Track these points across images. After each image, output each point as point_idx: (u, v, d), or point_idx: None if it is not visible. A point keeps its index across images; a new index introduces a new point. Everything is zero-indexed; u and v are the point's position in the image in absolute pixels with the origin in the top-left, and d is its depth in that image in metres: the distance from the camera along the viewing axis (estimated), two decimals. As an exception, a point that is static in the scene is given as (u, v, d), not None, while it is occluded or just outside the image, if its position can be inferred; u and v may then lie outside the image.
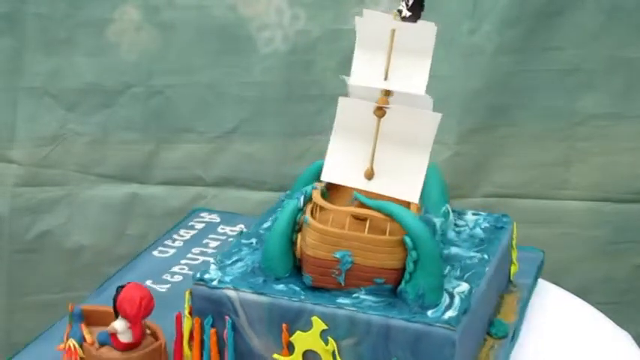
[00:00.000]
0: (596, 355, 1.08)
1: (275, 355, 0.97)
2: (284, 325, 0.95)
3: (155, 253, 1.27)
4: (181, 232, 1.33)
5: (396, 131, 0.95)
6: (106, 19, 1.51)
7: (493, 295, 1.07)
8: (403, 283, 0.92)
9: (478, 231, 1.07)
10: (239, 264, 1.02)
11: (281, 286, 0.97)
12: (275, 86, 1.54)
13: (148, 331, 1.04)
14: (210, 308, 0.99)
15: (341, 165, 0.97)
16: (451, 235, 1.06)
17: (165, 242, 1.30)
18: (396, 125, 0.95)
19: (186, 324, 1.00)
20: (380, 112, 0.95)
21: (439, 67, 1.51)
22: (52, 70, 1.54)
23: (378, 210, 0.92)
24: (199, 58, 1.53)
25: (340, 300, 0.94)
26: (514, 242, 1.14)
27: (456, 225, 1.08)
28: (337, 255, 0.93)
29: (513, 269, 1.15)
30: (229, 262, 1.02)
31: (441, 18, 1.48)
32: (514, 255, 1.15)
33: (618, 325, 1.20)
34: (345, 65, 1.53)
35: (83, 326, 1.05)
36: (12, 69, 1.54)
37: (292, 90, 1.55)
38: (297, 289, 0.96)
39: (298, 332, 0.95)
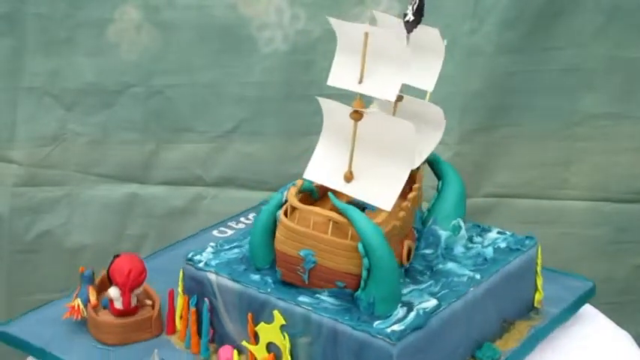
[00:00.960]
0: (596, 355, 1.09)
1: (244, 342, 0.99)
2: (249, 315, 0.98)
3: (215, 232, 1.28)
4: (250, 215, 1.32)
5: (374, 137, 0.95)
6: (106, 19, 1.51)
7: (488, 318, 1.02)
8: (360, 289, 0.92)
9: (489, 250, 1.05)
10: (235, 250, 1.05)
11: (256, 277, 1.00)
12: (275, 86, 1.54)
13: (149, 302, 1.10)
14: (196, 288, 1.04)
15: (324, 165, 0.97)
16: (458, 250, 1.04)
17: (229, 224, 1.30)
18: (373, 131, 0.95)
19: (179, 300, 1.06)
20: (356, 115, 0.95)
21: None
22: (52, 70, 1.54)
23: (342, 213, 0.92)
24: (199, 58, 1.53)
25: (301, 298, 0.95)
26: (538, 268, 1.09)
27: (470, 241, 1.06)
28: (301, 253, 0.94)
29: (538, 296, 1.09)
30: (227, 247, 1.06)
31: (442, 18, 1.51)
32: (539, 282, 1.09)
33: (618, 325, 1.20)
34: (345, 65, 1.55)
35: (91, 288, 1.11)
36: (12, 69, 1.53)
37: (292, 90, 1.55)
38: (270, 281, 0.99)
39: (262, 323, 0.97)
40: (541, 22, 1.50)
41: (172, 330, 1.08)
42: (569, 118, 1.57)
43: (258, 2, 1.50)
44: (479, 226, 1.10)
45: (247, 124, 1.57)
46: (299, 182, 0.99)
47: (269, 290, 0.97)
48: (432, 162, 1.09)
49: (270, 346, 0.97)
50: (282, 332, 0.95)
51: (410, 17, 1.00)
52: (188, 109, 1.56)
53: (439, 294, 0.96)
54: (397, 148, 0.94)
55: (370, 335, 0.89)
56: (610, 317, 1.23)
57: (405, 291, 0.95)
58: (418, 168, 1.05)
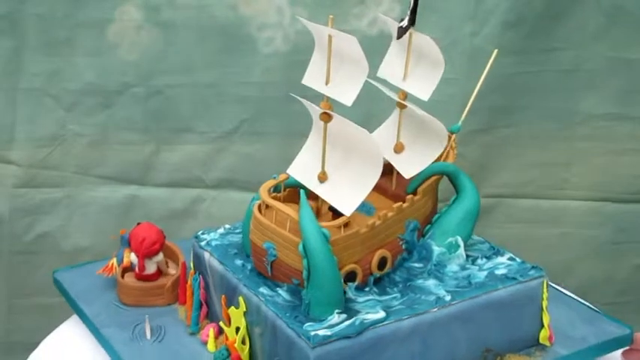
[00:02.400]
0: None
1: (221, 322, 1.04)
2: (223, 297, 1.03)
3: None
4: None
5: (343, 141, 0.96)
6: (106, 19, 1.50)
7: (459, 344, 0.98)
8: (304, 289, 0.93)
9: (481, 274, 1.01)
10: (240, 235, 1.08)
11: (239, 262, 1.03)
12: (276, 86, 1.54)
13: (173, 272, 1.19)
14: (197, 265, 1.10)
15: (304, 163, 0.98)
16: (451, 269, 1.01)
17: None
18: (342, 135, 0.95)
19: (191, 273, 1.13)
20: (324, 116, 0.96)
21: (441, 69, 1.53)
22: (52, 71, 1.53)
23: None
24: (199, 58, 1.52)
25: (261, 289, 0.97)
26: (544, 303, 1.03)
27: (472, 262, 1.03)
28: (264, 245, 0.97)
29: (543, 333, 1.04)
30: (237, 231, 1.10)
31: (443, 20, 1.51)
32: (545, 318, 1.04)
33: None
34: (346, 66, 1.54)
35: (127, 251, 1.20)
36: (11, 69, 1.53)
37: (293, 90, 1.53)
38: (248, 268, 1.02)
39: (232, 307, 1.01)
40: (542, 23, 1.50)
41: (184, 301, 1.14)
42: (569, 118, 1.58)
43: (259, 2, 1.49)
44: (494, 248, 1.06)
45: (248, 124, 1.57)
46: (282, 176, 1.01)
47: (240, 277, 1.00)
48: (449, 175, 1.06)
49: (238, 330, 1.00)
50: (244, 318, 0.98)
51: (404, 23, 1.00)
52: (188, 110, 1.56)
53: (394, 308, 0.94)
54: (364, 155, 0.94)
55: (296, 335, 0.90)
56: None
57: (361, 299, 0.95)
58: (426, 180, 1.04)
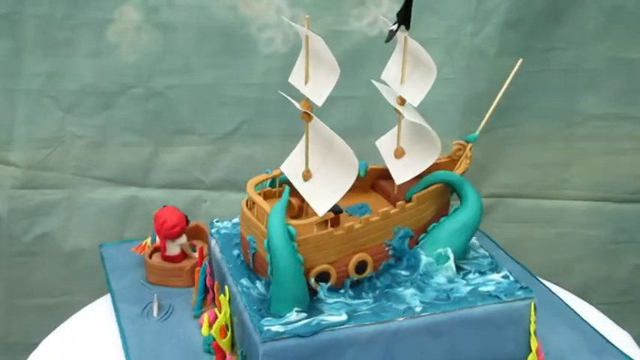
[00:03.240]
0: (596, 356, 1.09)
1: (215, 308, 1.06)
2: (216, 284, 1.06)
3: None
4: None
5: (324, 141, 0.96)
6: (106, 20, 1.50)
7: (429, 356, 0.96)
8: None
9: (465, 289, 0.98)
10: None
11: (236, 252, 1.05)
12: (275, 87, 1.52)
13: (196, 255, 1.22)
14: (208, 250, 1.13)
15: (294, 160, 0.99)
16: (438, 280, 0.99)
17: None
18: (323, 136, 0.96)
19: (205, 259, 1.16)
20: (303, 116, 0.97)
21: (442, 70, 1.52)
22: (51, 72, 1.52)
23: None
24: (199, 59, 1.52)
25: (242, 280, 0.98)
26: (532, 327, 0.98)
27: (463, 276, 1.00)
28: (247, 237, 0.98)
29: (531, 357, 0.99)
30: None
31: (444, 20, 1.51)
32: (533, 343, 0.98)
33: (618, 325, 1.21)
34: (346, 67, 1.53)
35: None
36: (11, 70, 1.52)
37: (291, 91, 1.53)
38: (241, 259, 1.03)
39: (222, 295, 1.02)
40: (542, 23, 1.50)
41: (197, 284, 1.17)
42: (569, 118, 1.58)
43: (259, 3, 1.49)
44: (493, 264, 1.02)
45: (247, 125, 1.56)
46: (276, 172, 1.02)
47: (230, 266, 1.02)
48: (452, 184, 1.04)
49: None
50: (228, 306, 1.00)
51: (393, 27, 0.99)
52: (188, 111, 1.55)
53: (359, 313, 0.93)
54: (338, 158, 0.95)
55: (253, 328, 0.91)
56: (610, 317, 1.23)
57: (331, 300, 0.95)
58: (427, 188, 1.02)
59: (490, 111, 1.08)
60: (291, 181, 0.98)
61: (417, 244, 1.03)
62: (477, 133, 1.08)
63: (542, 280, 1.27)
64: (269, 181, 1.05)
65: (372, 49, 1.49)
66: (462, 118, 1.55)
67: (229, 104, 1.55)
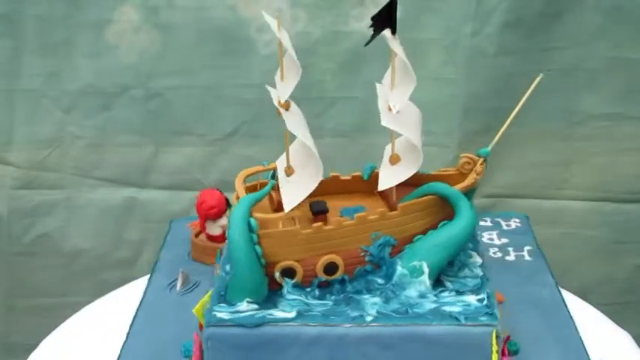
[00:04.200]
0: (596, 356, 1.07)
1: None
2: (217, 265, 1.05)
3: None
4: None
5: (296, 139, 0.97)
6: (105, 20, 1.50)
7: None
8: None
9: (429, 306, 0.94)
10: None
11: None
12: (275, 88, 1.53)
13: None
14: None
15: (284, 156, 1.00)
16: (409, 293, 0.95)
17: None
18: (295, 134, 0.96)
19: None
20: (278, 112, 0.98)
21: (442, 70, 1.53)
22: (51, 72, 1.52)
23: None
24: (199, 59, 1.51)
25: (227, 266, 0.97)
26: (494, 356, 0.92)
27: (435, 293, 0.96)
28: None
29: None
30: None
31: (443, 21, 1.51)
32: None
33: (619, 325, 1.20)
34: (346, 67, 1.54)
35: None
36: (10, 70, 1.52)
37: (292, 92, 1.54)
38: None
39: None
40: (542, 23, 1.50)
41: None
42: (569, 118, 1.57)
43: (258, 3, 1.49)
44: (478, 285, 0.97)
45: (247, 126, 1.56)
46: (272, 165, 1.02)
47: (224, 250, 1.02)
48: (446, 198, 0.99)
49: None
50: None
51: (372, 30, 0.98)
52: (187, 112, 1.55)
53: (311, 313, 0.93)
54: (306, 157, 0.95)
55: (208, 312, 0.92)
56: (610, 318, 1.23)
57: (291, 297, 0.94)
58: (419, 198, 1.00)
59: (505, 126, 1.05)
60: (278, 175, 0.98)
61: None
62: (490, 148, 1.03)
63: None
64: (270, 174, 1.05)
65: (371, 50, 1.48)
66: (461, 118, 1.54)
67: (229, 105, 1.55)
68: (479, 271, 0.99)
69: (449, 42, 1.51)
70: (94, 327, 1.19)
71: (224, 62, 1.52)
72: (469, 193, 1.01)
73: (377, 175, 1.03)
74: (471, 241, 1.04)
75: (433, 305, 0.93)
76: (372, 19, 0.95)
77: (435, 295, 0.94)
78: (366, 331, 0.90)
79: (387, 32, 0.99)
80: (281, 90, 0.97)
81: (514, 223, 1.38)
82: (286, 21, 1.50)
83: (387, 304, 0.93)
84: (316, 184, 0.94)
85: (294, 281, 0.95)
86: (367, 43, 0.97)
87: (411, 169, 0.99)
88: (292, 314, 0.91)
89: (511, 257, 1.27)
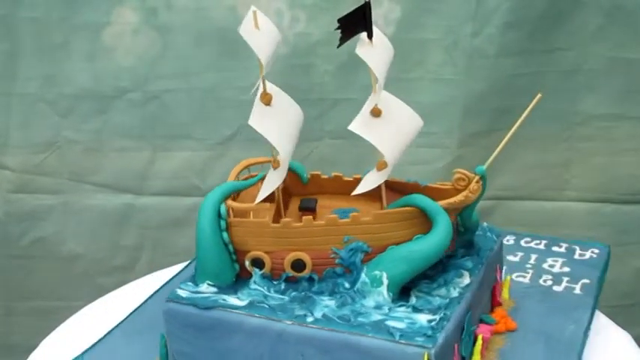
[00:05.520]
0: (597, 357, 1.07)
1: None
2: None
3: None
4: None
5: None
6: (102, 23, 1.49)
7: None
8: None
9: (374, 317, 0.92)
10: None
11: None
12: (275, 90, 1.52)
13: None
14: None
15: None
16: (366, 302, 0.94)
17: None
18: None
19: None
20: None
21: (442, 70, 1.53)
22: (47, 76, 1.51)
23: None
24: (197, 62, 1.50)
25: None
26: None
27: (394, 307, 0.94)
28: None
29: None
30: None
31: (444, 21, 1.50)
32: None
33: (619, 326, 1.19)
34: (346, 69, 1.53)
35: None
36: (5, 74, 1.51)
37: (292, 94, 1.50)
38: None
39: None
40: (542, 23, 1.49)
41: None
42: (570, 119, 1.56)
43: (258, 5, 1.47)
44: (440, 306, 0.95)
45: (246, 130, 1.53)
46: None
47: None
48: (424, 211, 0.96)
49: None
50: None
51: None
52: (185, 116, 1.54)
53: (261, 305, 0.94)
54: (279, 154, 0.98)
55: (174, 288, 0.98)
56: (611, 318, 1.22)
57: (254, 287, 0.97)
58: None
59: (502, 144, 1.03)
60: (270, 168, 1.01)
61: None
62: (486, 166, 1.01)
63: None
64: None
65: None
66: (462, 118, 1.54)
67: (228, 108, 1.54)
68: (455, 293, 0.97)
69: (449, 42, 1.50)
70: (94, 327, 1.18)
71: (223, 64, 1.51)
72: (466, 209, 0.99)
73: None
74: (496, 259, 1.06)
75: (379, 317, 0.92)
76: (340, 21, 0.95)
77: (390, 308, 0.93)
78: (304, 332, 0.91)
79: (363, 36, 0.99)
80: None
81: (590, 254, 1.28)
82: (286, 22, 1.49)
83: (339, 309, 0.93)
84: (278, 182, 0.98)
85: (262, 272, 0.98)
86: (339, 45, 0.97)
87: (381, 178, 0.98)
88: (243, 303, 0.94)
89: (559, 288, 1.19)
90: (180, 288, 0.97)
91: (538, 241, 1.32)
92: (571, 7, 1.48)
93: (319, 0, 1.48)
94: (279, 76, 1.52)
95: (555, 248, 1.30)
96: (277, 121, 1.02)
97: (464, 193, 0.97)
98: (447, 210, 0.95)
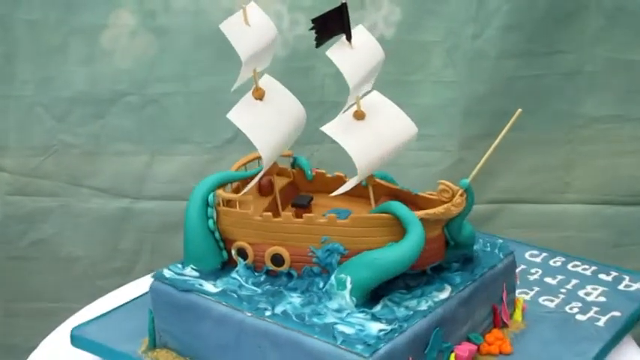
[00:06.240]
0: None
1: None
2: None
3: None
4: None
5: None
6: (100, 25, 1.48)
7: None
8: None
9: (329, 320, 0.93)
10: None
11: None
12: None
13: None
14: None
15: None
16: (329, 303, 0.95)
17: None
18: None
19: None
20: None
21: (443, 73, 1.52)
22: (43, 79, 1.51)
23: None
24: (196, 65, 1.50)
25: None
26: None
27: (353, 312, 0.94)
28: None
29: None
30: None
31: (445, 23, 1.49)
32: None
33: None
34: (346, 71, 1.52)
35: None
36: (2, 76, 1.51)
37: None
38: None
39: None
40: (543, 25, 1.49)
41: None
42: (571, 121, 1.56)
43: (257, 7, 1.47)
44: (400, 319, 0.94)
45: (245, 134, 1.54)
46: (288, 152, 1.07)
47: None
48: (399, 218, 0.95)
49: None
50: None
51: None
52: (184, 119, 1.53)
53: (231, 295, 0.97)
54: None
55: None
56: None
57: (235, 275, 1.00)
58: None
59: (486, 156, 1.00)
60: None
61: None
62: (469, 179, 0.98)
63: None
64: (291, 162, 1.09)
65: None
66: (462, 120, 1.53)
67: (227, 111, 1.52)
68: (424, 306, 0.96)
69: (450, 45, 1.50)
70: None
71: (222, 67, 1.50)
72: (452, 222, 0.97)
73: (377, 182, 1.02)
74: (500, 278, 1.03)
75: (333, 320, 0.93)
76: (315, 21, 0.94)
77: (348, 313, 0.94)
78: (260, 325, 0.93)
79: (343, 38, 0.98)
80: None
81: (638, 285, 1.21)
82: (285, 24, 1.48)
83: (301, 307, 0.95)
84: (259, 177, 1.01)
85: (246, 262, 1.01)
86: (317, 46, 0.97)
87: (352, 182, 0.98)
88: (216, 290, 0.98)
89: (583, 317, 1.12)
90: (168, 268, 1.02)
91: (587, 266, 1.28)
92: (572, 8, 1.48)
93: (319, 2, 1.46)
94: (279, 79, 1.52)
95: (602, 275, 1.25)
96: (265, 117, 1.02)
97: (445, 206, 0.95)
98: (428, 221, 0.94)
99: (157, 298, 1.02)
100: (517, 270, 1.13)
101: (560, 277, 1.23)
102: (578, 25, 1.49)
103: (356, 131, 0.97)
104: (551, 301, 1.16)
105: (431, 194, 0.99)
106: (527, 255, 1.29)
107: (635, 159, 1.59)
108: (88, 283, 1.62)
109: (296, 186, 1.09)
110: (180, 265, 1.02)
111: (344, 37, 0.97)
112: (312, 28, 0.94)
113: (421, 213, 0.94)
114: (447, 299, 0.98)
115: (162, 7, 1.47)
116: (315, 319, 0.92)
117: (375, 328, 0.91)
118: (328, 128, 0.96)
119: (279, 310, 0.94)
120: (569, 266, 1.27)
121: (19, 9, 1.46)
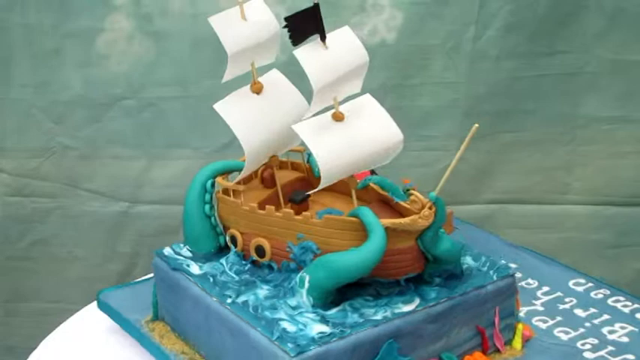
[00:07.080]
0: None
1: None
2: None
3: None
4: None
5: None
6: (97, 29, 1.47)
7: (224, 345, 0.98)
8: None
9: (279, 315, 0.94)
10: None
11: None
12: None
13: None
14: None
15: None
16: (290, 300, 0.95)
17: None
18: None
19: None
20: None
21: (444, 74, 1.51)
22: (40, 82, 1.50)
23: None
24: (193, 68, 1.49)
25: None
26: None
27: (304, 312, 0.95)
28: None
29: None
30: None
31: (446, 24, 1.48)
32: None
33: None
34: (345, 74, 1.51)
35: None
36: (0, 80, 1.50)
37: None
38: None
39: None
40: (544, 26, 1.48)
41: None
42: (572, 122, 1.56)
43: (255, 10, 1.46)
44: (344, 325, 0.92)
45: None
46: (299, 148, 1.08)
47: None
48: (362, 222, 0.94)
49: None
50: None
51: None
52: (181, 123, 1.52)
53: (210, 279, 1.01)
54: None
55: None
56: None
57: (223, 261, 1.03)
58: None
59: (449, 171, 0.96)
60: None
61: None
62: (436, 192, 0.94)
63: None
64: (306, 157, 1.10)
65: (372, 58, 1.46)
66: (463, 121, 1.52)
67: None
68: (379, 316, 0.94)
69: (450, 46, 1.49)
70: (93, 329, 1.18)
71: (219, 71, 1.48)
72: (425, 235, 0.95)
73: (370, 187, 1.02)
74: (491, 300, 0.99)
75: (282, 316, 0.94)
76: (287, 19, 0.94)
77: (301, 312, 0.94)
78: (220, 311, 0.97)
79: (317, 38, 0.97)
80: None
81: None
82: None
83: (264, 300, 0.97)
84: (247, 172, 1.03)
85: (236, 250, 1.04)
86: (294, 44, 0.98)
87: (320, 186, 0.98)
88: (198, 273, 1.02)
89: (591, 356, 1.04)
90: (170, 247, 1.07)
91: (629, 303, 1.17)
92: (573, 9, 1.48)
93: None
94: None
95: (639, 315, 1.14)
96: (257, 111, 1.02)
97: (412, 217, 0.94)
98: (395, 231, 0.93)
99: (156, 273, 1.07)
100: (550, 297, 1.11)
101: (593, 310, 1.13)
102: (578, 26, 1.49)
103: (329, 133, 0.95)
104: (567, 333, 1.08)
105: (409, 203, 0.97)
106: (571, 283, 1.20)
107: (636, 160, 1.59)
108: (87, 283, 1.61)
109: (307, 181, 1.09)
110: (181, 245, 1.07)
111: (319, 37, 0.95)
112: (285, 27, 0.93)
113: (387, 222, 0.93)
114: (410, 312, 0.95)
115: (159, 10, 1.46)
116: (266, 313, 0.94)
117: (316, 329, 0.91)
118: (299, 126, 0.95)
119: (241, 299, 0.97)
120: (610, 300, 1.17)
121: (16, 13, 1.46)
